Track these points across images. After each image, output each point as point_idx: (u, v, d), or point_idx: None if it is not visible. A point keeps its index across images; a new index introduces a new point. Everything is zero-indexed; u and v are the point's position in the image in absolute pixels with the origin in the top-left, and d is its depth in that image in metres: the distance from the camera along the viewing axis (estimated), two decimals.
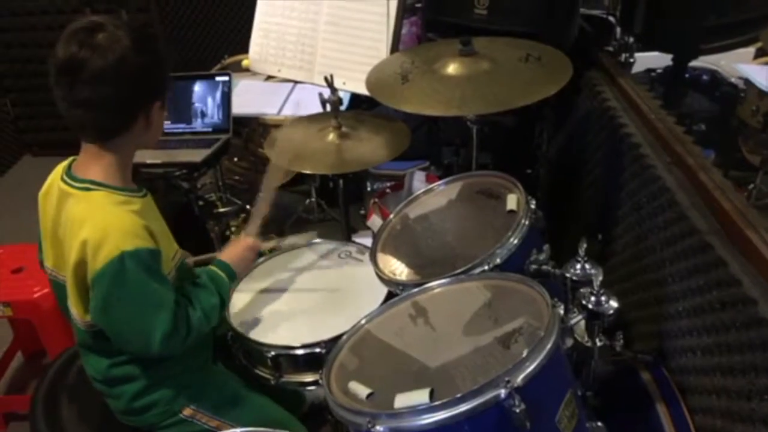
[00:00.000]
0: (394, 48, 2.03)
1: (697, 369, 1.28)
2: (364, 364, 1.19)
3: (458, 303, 1.26)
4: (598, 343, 1.26)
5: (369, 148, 1.88)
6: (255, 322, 1.54)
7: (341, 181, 2.11)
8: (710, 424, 1.22)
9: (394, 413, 0.99)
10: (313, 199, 3.17)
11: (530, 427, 0.94)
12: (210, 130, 2.67)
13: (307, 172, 1.78)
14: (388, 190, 2.43)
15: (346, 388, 1.12)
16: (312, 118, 2.05)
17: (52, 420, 1.50)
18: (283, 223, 3.11)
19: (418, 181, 2.35)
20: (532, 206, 1.41)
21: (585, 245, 1.27)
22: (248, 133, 2.91)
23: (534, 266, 1.36)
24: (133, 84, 1.22)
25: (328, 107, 1.92)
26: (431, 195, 1.68)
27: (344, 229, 2.21)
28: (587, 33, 2.19)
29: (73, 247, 1.20)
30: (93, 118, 1.22)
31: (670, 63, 1.99)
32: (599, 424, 1.19)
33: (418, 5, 2.63)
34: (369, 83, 1.77)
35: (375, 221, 2.22)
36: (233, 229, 2.88)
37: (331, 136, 1.90)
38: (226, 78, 2.67)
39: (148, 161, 2.43)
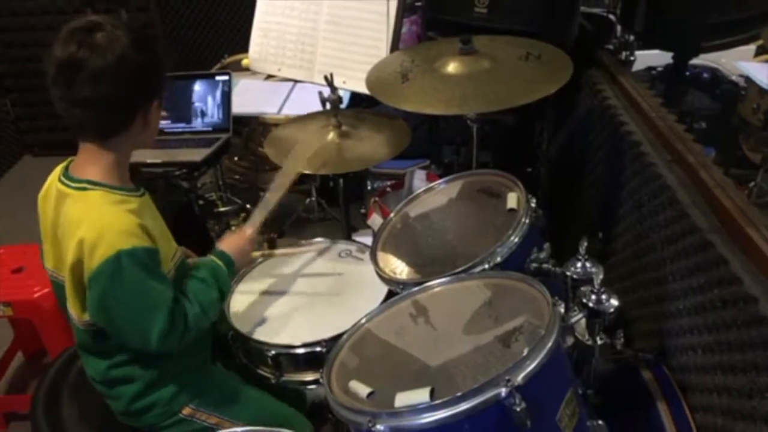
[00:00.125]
0: (395, 47, 2.03)
1: (698, 367, 1.28)
2: (364, 363, 1.19)
3: (459, 302, 1.26)
4: (599, 342, 1.26)
5: (369, 146, 1.88)
6: (255, 322, 1.54)
7: (341, 180, 2.11)
8: (711, 423, 1.22)
9: (394, 412, 0.99)
10: (313, 198, 3.17)
11: (531, 426, 0.94)
12: (210, 129, 2.67)
13: (308, 171, 1.78)
14: (388, 189, 2.42)
15: (346, 387, 1.12)
16: (312, 117, 2.05)
17: (52, 420, 1.50)
18: (283, 223, 3.11)
19: (419, 179, 2.35)
20: (533, 205, 1.41)
21: (585, 243, 1.27)
22: (248, 133, 2.91)
23: (534, 265, 1.36)
24: (132, 82, 1.22)
25: (328, 106, 1.92)
26: (432, 194, 1.68)
27: (345, 228, 2.21)
28: (588, 31, 2.18)
29: (71, 246, 1.20)
30: (92, 117, 1.22)
31: (671, 61, 1.98)
32: (600, 422, 1.19)
33: (419, 4, 2.63)
34: (369, 82, 1.76)
35: (375, 220, 2.22)
36: (233, 228, 2.88)
37: (332, 135, 1.89)
38: (226, 77, 2.67)
39: (149, 161, 2.44)
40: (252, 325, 1.53)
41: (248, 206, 2.87)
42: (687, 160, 1.43)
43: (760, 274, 1.12)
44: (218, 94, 2.67)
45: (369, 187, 2.68)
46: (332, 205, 3.13)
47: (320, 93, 1.93)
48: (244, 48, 2.47)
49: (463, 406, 0.94)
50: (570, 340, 1.24)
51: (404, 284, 1.39)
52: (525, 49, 1.70)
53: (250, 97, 2.87)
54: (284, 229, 3.07)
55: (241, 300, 1.62)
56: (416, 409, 0.97)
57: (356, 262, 1.71)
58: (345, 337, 1.26)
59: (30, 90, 3.89)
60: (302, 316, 1.55)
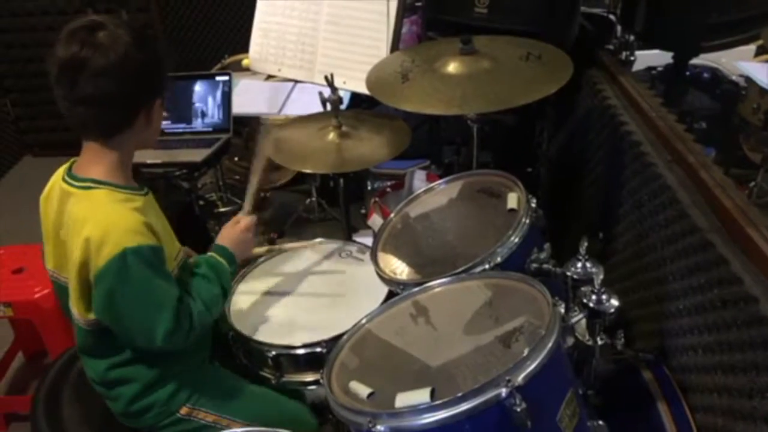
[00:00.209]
0: (395, 47, 2.03)
1: (699, 367, 1.28)
2: (364, 363, 1.19)
3: (459, 302, 1.26)
4: (599, 342, 1.26)
5: (369, 147, 1.88)
6: (256, 322, 1.54)
7: (342, 181, 2.11)
8: (711, 423, 1.22)
9: (394, 413, 0.99)
10: (313, 199, 3.17)
11: (531, 426, 0.94)
12: (210, 129, 2.67)
13: (308, 171, 1.78)
14: (388, 189, 2.42)
15: (347, 388, 1.12)
16: (312, 118, 2.05)
17: (53, 420, 1.50)
18: (283, 223, 3.11)
19: (419, 180, 2.35)
20: (533, 205, 1.41)
21: (586, 244, 1.27)
22: (248, 133, 2.92)
23: (535, 265, 1.36)
24: (135, 80, 1.22)
25: (329, 106, 1.92)
26: (432, 194, 1.68)
27: (345, 229, 2.21)
28: (588, 31, 2.18)
29: (76, 245, 1.20)
30: (95, 115, 1.22)
31: (671, 61, 1.98)
32: (600, 422, 1.19)
33: (419, 4, 2.63)
34: (369, 82, 1.76)
35: (375, 220, 2.22)
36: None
37: (332, 136, 1.89)
38: (226, 78, 2.67)
39: (149, 161, 2.44)
40: (252, 325, 1.53)
41: None
42: (687, 160, 1.43)
43: (760, 274, 1.12)
44: (218, 94, 2.67)
45: (369, 188, 2.68)
46: (332, 206, 3.14)
47: (320, 93, 1.93)
48: (244, 48, 2.47)
49: (464, 407, 0.94)
50: (570, 341, 1.24)
51: (404, 284, 1.39)
52: (525, 49, 1.70)
53: (250, 98, 2.87)
54: (284, 229, 3.07)
55: (241, 300, 1.62)
56: (417, 410, 0.96)
57: (357, 263, 1.71)
58: (345, 337, 1.26)
59: (30, 90, 3.90)
60: (303, 317, 1.55)
